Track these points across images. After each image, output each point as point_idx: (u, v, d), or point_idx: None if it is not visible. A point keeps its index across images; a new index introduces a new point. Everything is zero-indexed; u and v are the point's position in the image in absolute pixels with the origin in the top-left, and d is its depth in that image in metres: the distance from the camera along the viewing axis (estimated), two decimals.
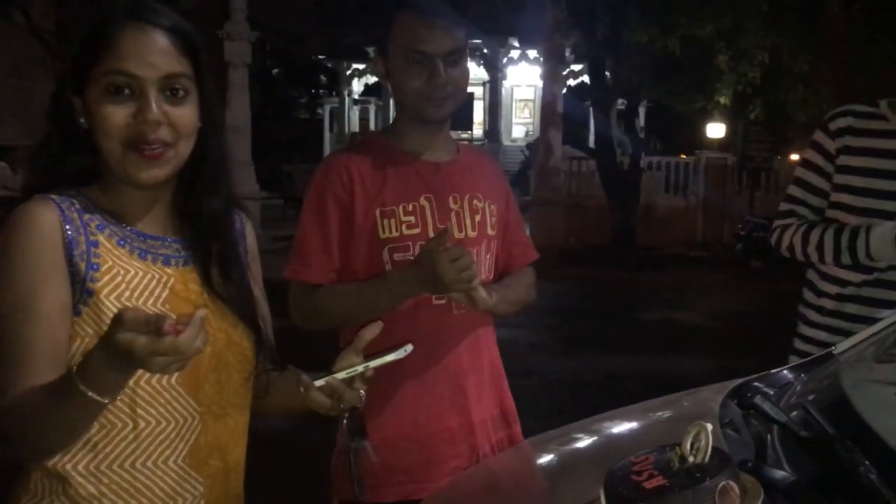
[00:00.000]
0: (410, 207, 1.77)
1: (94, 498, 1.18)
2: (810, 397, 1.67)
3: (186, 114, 1.20)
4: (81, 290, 1.15)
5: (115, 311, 1.05)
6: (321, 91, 36.45)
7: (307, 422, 1.60)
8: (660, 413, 1.90)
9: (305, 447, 3.06)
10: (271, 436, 1.51)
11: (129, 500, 1.19)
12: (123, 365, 0.98)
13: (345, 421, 1.41)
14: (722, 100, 13.88)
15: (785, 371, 1.87)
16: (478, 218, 1.84)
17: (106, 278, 1.17)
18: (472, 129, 32.06)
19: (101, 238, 1.20)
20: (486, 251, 1.85)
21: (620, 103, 15.37)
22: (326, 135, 33.25)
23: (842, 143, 2.12)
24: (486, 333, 1.88)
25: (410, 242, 1.76)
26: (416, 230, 1.77)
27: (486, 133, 32.10)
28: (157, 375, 1.16)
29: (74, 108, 1.20)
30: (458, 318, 1.79)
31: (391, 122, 1.90)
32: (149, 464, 1.19)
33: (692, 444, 1.12)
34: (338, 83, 33.37)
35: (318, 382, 1.26)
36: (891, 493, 1.17)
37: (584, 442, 1.81)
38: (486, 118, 32.42)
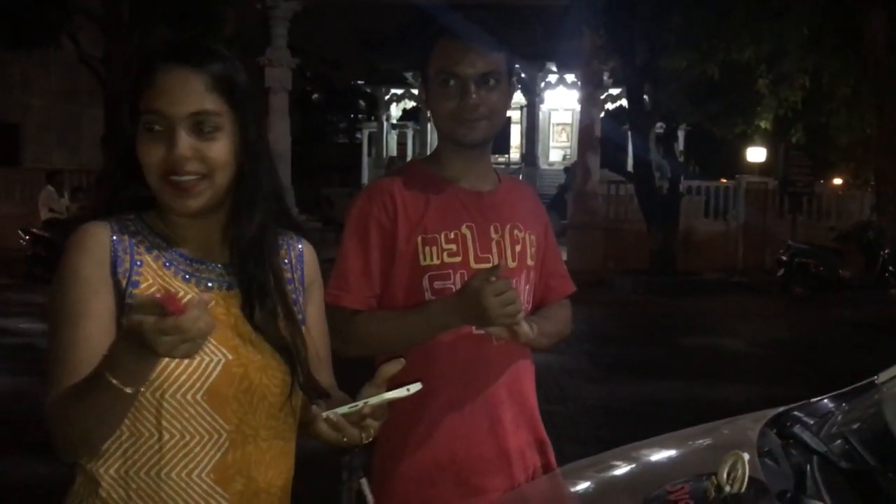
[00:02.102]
0: (452, 235, 1.77)
1: (123, 501, 1.23)
2: (851, 427, 1.65)
3: (217, 148, 1.25)
4: (122, 304, 1.23)
5: None
6: (360, 116, 36.85)
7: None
8: (698, 441, 1.89)
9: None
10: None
11: None
12: (139, 348, 1.03)
13: (346, 457, 1.38)
14: (762, 124, 13.72)
15: (825, 400, 1.85)
16: (518, 248, 1.83)
17: (144, 295, 1.22)
18: (509, 153, 32.09)
19: (147, 258, 1.27)
20: (526, 282, 1.84)
21: (659, 127, 15.28)
22: (365, 159, 33.55)
23: None
24: (525, 366, 1.86)
25: (451, 271, 1.75)
26: (458, 259, 1.76)
27: (523, 157, 32.10)
28: (183, 390, 1.22)
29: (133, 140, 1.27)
30: (498, 349, 1.77)
31: (433, 150, 1.91)
32: (173, 475, 1.23)
33: (729, 474, 1.12)
34: (376, 108, 33.69)
35: (324, 415, 1.25)
36: None
37: (620, 469, 1.80)
38: (524, 142, 32.45)
